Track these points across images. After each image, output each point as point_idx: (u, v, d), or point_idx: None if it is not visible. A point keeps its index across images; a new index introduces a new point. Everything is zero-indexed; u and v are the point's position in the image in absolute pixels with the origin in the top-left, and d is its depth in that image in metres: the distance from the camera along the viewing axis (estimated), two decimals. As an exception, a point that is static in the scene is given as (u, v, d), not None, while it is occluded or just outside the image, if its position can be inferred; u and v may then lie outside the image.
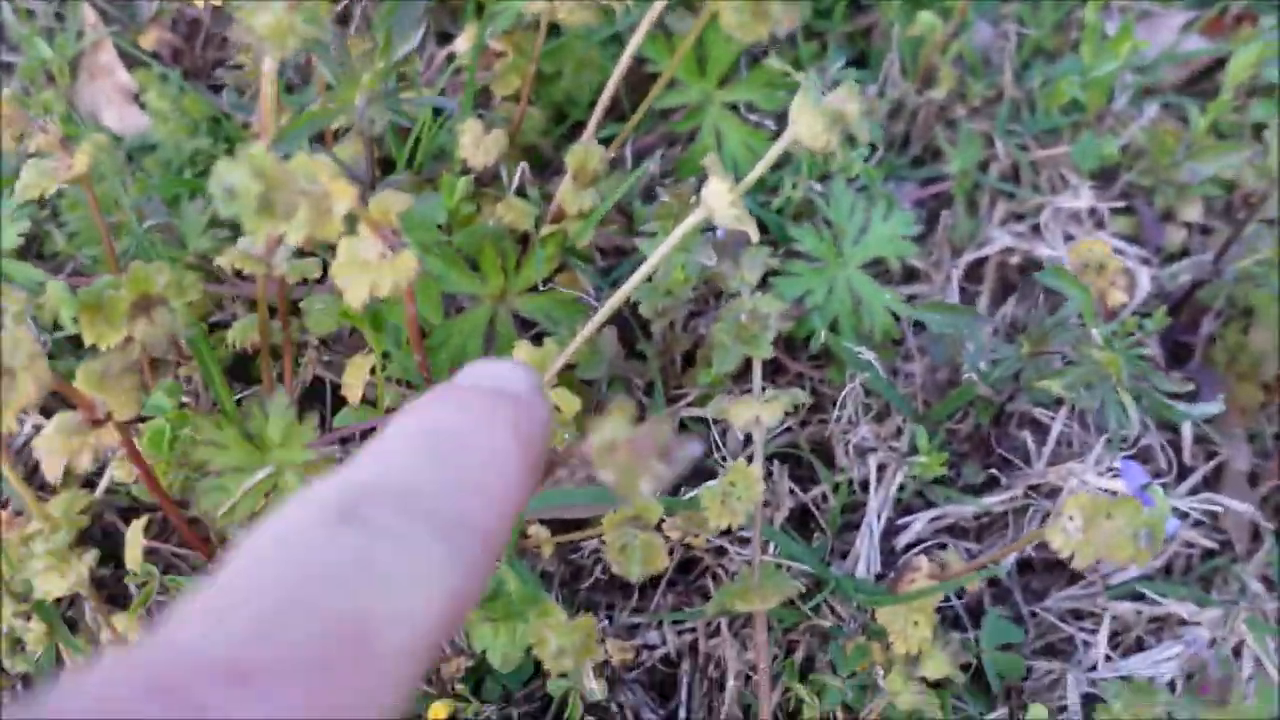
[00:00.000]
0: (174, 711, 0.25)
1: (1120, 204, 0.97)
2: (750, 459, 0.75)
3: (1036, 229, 0.98)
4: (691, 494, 0.81)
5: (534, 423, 0.37)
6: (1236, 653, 0.82)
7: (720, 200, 0.66)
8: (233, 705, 0.25)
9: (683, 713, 0.82)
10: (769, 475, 0.85)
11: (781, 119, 0.98)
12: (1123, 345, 0.75)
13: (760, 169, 0.69)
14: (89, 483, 0.88)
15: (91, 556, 0.72)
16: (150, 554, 0.79)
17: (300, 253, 0.78)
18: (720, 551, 0.86)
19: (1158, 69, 1.01)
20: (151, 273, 0.65)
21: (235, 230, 0.87)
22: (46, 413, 0.91)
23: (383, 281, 0.62)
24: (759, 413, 0.74)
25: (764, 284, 0.86)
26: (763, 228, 0.92)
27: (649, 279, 0.72)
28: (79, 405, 0.65)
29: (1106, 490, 0.81)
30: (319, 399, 0.88)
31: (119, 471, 0.81)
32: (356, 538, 0.30)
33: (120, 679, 0.26)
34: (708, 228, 0.76)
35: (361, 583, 0.29)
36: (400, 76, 0.77)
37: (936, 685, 0.77)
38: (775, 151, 0.67)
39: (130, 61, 0.97)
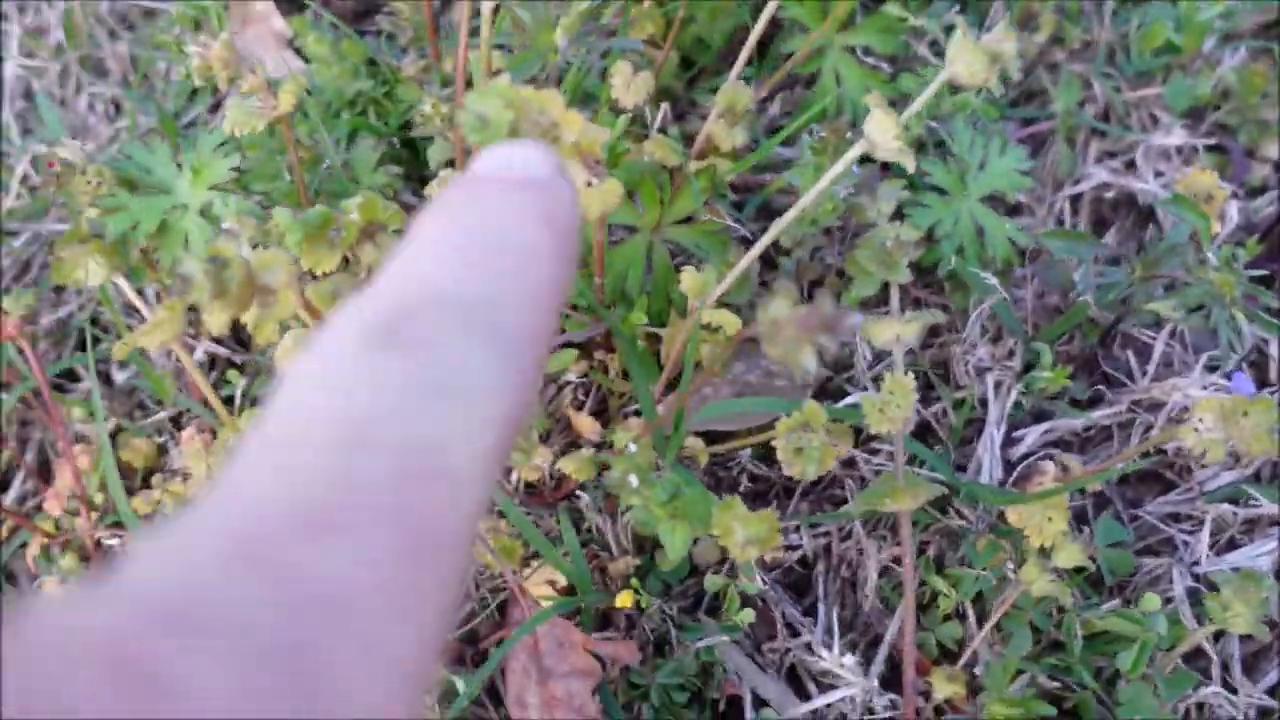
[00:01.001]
0: (264, 573, 0.23)
1: (1209, 141, 1.04)
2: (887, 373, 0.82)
3: (1130, 165, 1.05)
4: (843, 404, 0.89)
5: (563, 209, 0.34)
6: (1323, 550, 0.91)
7: (884, 134, 0.72)
8: (322, 558, 0.24)
9: (821, 607, 0.90)
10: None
11: (894, 61, 1.04)
12: (1235, 268, 0.83)
13: (919, 104, 0.75)
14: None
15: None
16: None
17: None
18: (849, 463, 0.94)
19: (1240, 13, 1.08)
20: (379, 202, 0.72)
21: (404, 166, 0.93)
22: (217, 340, 0.98)
23: (591, 207, 0.68)
24: (899, 331, 0.81)
25: (896, 215, 0.93)
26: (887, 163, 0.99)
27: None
28: (315, 321, 0.72)
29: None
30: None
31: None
32: (405, 361, 0.28)
33: (199, 544, 0.24)
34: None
35: (420, 409, 0.27)
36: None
37: (1063, 575, 0.85)
38: (933, 87, 0.74)
39: (283, 8, 1.02)
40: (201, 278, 0.65)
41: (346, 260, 0.75)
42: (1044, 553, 0.82)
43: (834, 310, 0.64)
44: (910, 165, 0.73)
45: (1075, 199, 1.05)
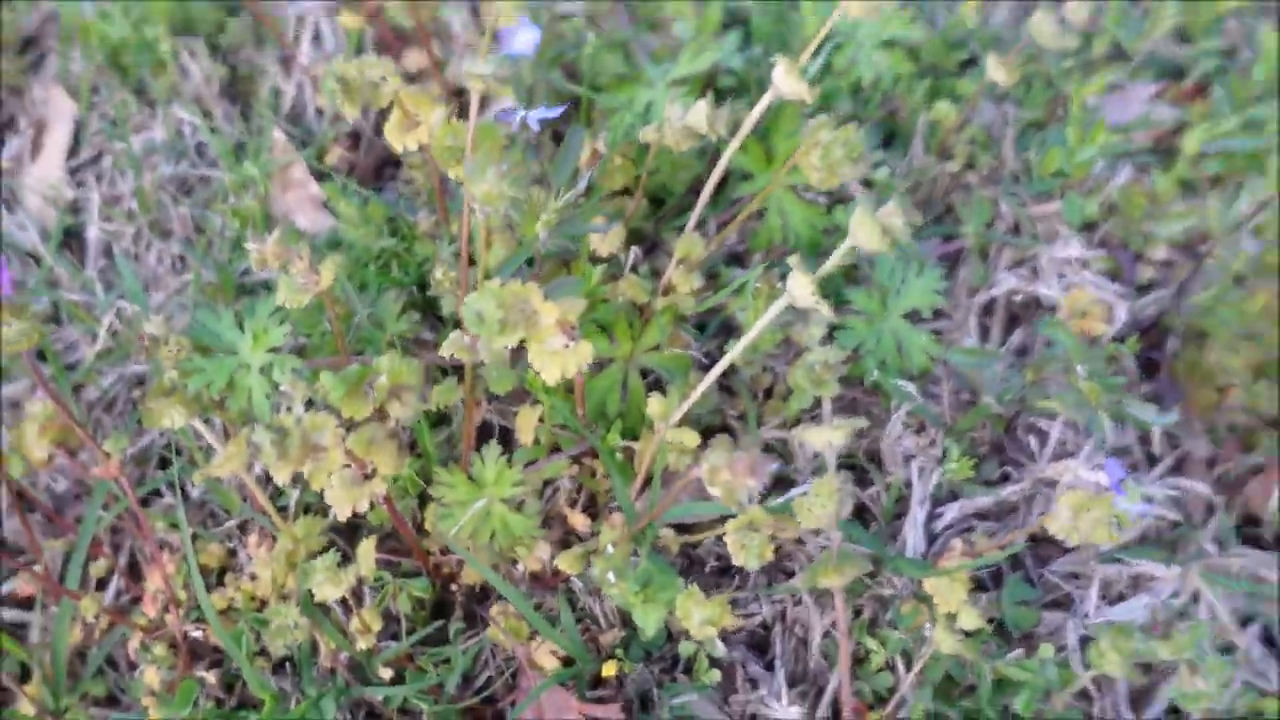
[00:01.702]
0: None
1: (1101, 251, 1.22)
2: (823, 470, 1.01)
3: (1036, 271, 1.23)
4: (781, 500, 1.07)
5: None
6: (1196, 598, 1.09)
7: (802, 291, 0.91)
8: None
9: (778, 663, 1.09)
10: (836, 481, 1.11)
11: (832, 194, 1.23)
12: (1102, 375, 1.01)
13: (831, 264, 0.94)
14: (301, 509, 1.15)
15: (351, 577, 0.98)
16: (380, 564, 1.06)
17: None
18: (800, 541, 1.13)
19: (1131, 135, 1.26)
20: (404, 369, 0.91)
21: (422, 314, 1.13)
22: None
23: (569, 365, 0.87)
24: (830, 437, 0.99)
25: (828, 334, 1.12)
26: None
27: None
28: (355, 464, 0.92)
29: (1094, 482, 1.07)
30: (486, 439, 1.14)
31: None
32: None
33: None
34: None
35: None
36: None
37: (970, 634, 1.03)
38: (841, 252, 0.93)
39: (317, 175, 1.22)
40: (269, 447, 0.85)
41: (379, 410, 0.95)
42: (951, 617, 1.01)
43: (757, 460, 0.84)
44: (827, 314, 0.91)
45: (990, 302, 1.24)
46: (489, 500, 0.96)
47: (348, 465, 0.92)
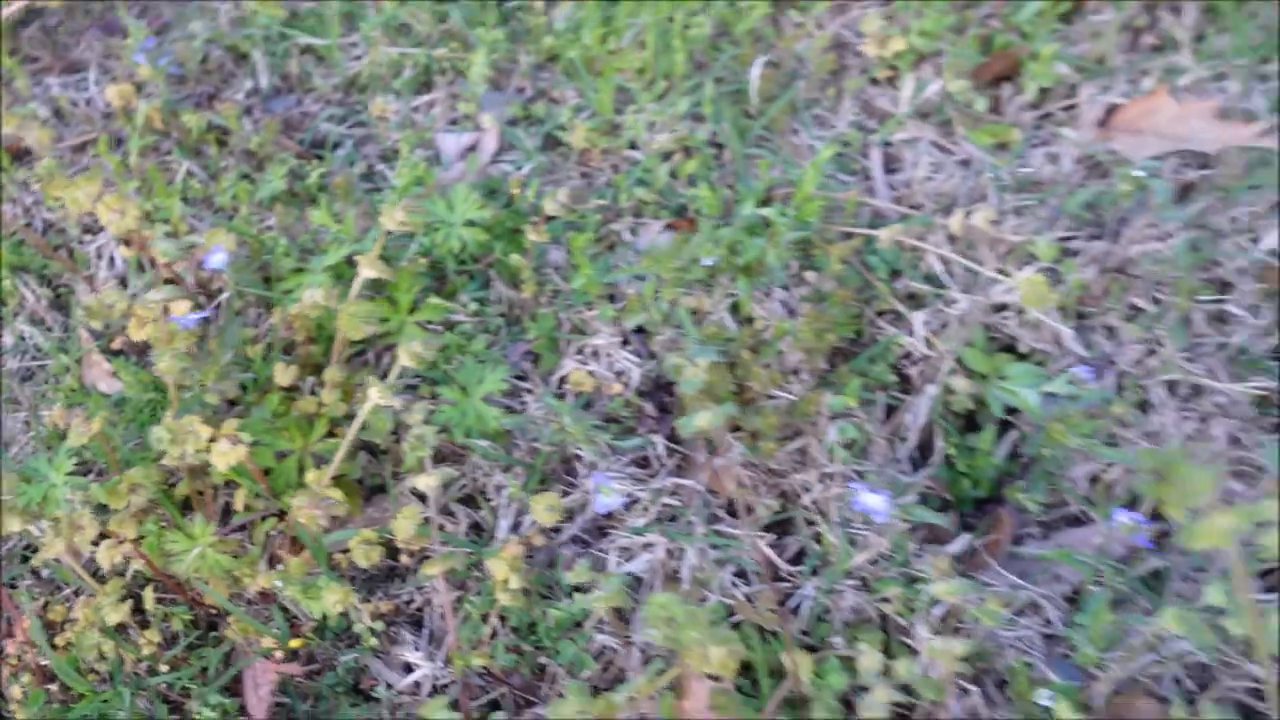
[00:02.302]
0: None
1: (622, 340, 1.87)
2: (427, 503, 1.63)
3: (587, 356, 1.87)
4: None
5: None
6: (684, 553, 1.71)
7: (376, 395, 1.54)
8: None
9: (426, 633, 1.70)
10: (449, 511, 1.74)
11: (445, 324, 1.87)
12: (582, 421, 1.64)
13: (393, 377, 1.57)
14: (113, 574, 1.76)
15: (128, 607, 1.59)
16: (158, 601, 1.67)
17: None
18: (430, 550, 1.74)
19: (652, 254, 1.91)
20: (139, 475, 1.53)
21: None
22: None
23: (231, 459, 1.50)
24: (428, 482, 1.62)
25: (429, 416, 1.75)
26: (433, 381, 1.82)
27: (364, 426, 1.61)
28: (115, 535, 1.53)
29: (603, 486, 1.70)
30: (227, 512, 1.76)
31: (134, 565, 1.68)
32: None
33: None
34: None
35: None
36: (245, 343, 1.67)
37: (529, 592, 1.64)
38: (395, 371, 1.56)
39: (109, 356, 1.86)
40: (50, 532, 1.47)
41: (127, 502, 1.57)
42: (505, 581, 1.62)
43: (322, 501, 1.46)
44: (400, 407, 1.54)
45: (564, 378, 1.87)
46: (201, 549, 1.58)
47: (106, 536, 1.54)
